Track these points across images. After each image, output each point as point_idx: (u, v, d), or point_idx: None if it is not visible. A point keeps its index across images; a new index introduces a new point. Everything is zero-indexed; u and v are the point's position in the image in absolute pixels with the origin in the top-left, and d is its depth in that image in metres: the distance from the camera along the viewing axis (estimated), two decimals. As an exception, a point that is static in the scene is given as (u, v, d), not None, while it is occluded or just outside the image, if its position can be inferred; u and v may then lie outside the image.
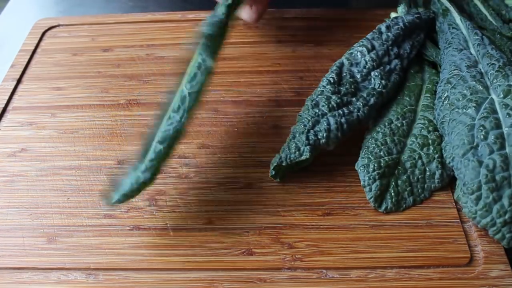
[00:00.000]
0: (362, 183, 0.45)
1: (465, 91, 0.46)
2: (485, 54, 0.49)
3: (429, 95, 0.51)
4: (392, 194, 0.45)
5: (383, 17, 0.60)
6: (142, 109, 0.55)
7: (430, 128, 0.48)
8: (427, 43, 0.57)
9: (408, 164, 0.46)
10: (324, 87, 0.48)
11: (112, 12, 0.71)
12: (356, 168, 0.46)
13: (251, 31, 0.65)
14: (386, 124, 0.48)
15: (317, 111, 0.47)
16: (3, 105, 0.55)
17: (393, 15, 0.60)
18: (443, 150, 0.46)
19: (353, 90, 0.49)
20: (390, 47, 0.52)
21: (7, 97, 0.56)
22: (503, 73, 0.45)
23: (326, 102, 0.47)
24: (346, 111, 0.47)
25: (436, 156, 0.46)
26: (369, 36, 0.53)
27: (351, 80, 0.49)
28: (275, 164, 0.46)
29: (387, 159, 0.46)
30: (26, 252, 0.42)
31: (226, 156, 0.50)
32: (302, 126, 0.46)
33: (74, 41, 0.64)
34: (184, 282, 0.40)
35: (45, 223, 0.44)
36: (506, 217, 0.39)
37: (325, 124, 0.46)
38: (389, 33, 0.53)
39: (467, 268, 0.40)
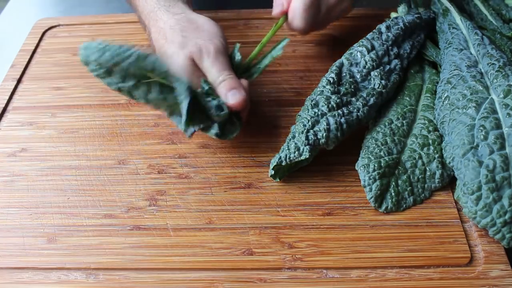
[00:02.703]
0: (362, 183, 0.45)
1: (465, 91, 0.46)
2: (485, 54, 0.49)
3: (429, 95, 0.51)
4: (392, 194, 0.45)
5: (383, 17, 0.60)
6: (142, 109, 0.55)
7: (430, 128, 0.48)
8: (427, 43, 0.57)
9: (408, 164, 0.46)
10: (324, 87, 0.48)
11: (112, 12, 0.71)
12: (356, 168, 0.46)
13: (251, 31, 0.65)
14: (386, 124, 0.48)
15: (316, 111, 0.47)
16: (3, 105, 0.56)
17: (393, 15, 0.60)
18: (443, 150, 0.46)
19: (352, 90, 0.49)
20: (390, 47, 0.52)
21: (7, 97, 0.56)
22: (503, 73, 0.45)
23: (326, 102, 0.47)
24: (345, 111, 0.47)
25: (436, 156, 0.46)
26: (369, 36, 0.53)
27: (350, 80, 0.49)
28: (274, 164, 0.45)
29: (387, 159, 0.46)
30: (26, 252, 0.42)
31: (226, 156, 0.50)
32: (302, 126, 0.46)
33: (74, 41, 0.64)
34: (184, 282, 0.40)
35: (45, 223, 0.44)
36: (506, 217, 0.39)
37: (325, 124, 0.46)
38: (389, 33, 0.53)
39: (467, 268, 0.40)
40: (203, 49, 0.47)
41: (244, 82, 0.48)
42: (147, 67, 0.41)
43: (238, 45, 0.50)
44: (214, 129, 0.46)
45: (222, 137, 0.47)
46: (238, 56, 0.50)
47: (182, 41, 0.48)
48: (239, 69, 0.50)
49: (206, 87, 0.47)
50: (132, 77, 0.42)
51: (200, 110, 0.45)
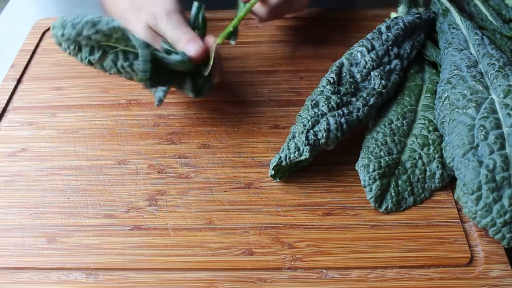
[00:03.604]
0: (362, 183, 0.45)
1: (465, 91, 0.46)
2: (485, 54, 0.49)
3: (429, 95, 0.51)
4: (393, 194, 0.45)
5: (383, 17, 0.60)
6: (142, 109, 0.55)
7: (431, 128, 0.48)
8: (427, 43, 0.57)
9: (408, 164, 0.46)
10: (324, 87, 0.48)
11: (112, 12, 0.70)
12: (356, 168, 0.46)
13: (251, 31, 0.65)
14: (387, 124, 0.48)
15: (316, 111, 0.47)
16: (3, 105, 0.56)
17: (393, 15, 0.60)
18: (443, 150, 0.46)
19: (352, 90, 0.49)
20: (390, 47, 0.52)
21: (7, 97, 0.56)
22: (503, 73, 0.45)
23: (326, 102, 0.47)
24: (345, 111, 0.47)
25: (436, 156, 0.46)
26: (369, 36, 0.53)
27: (351, 80, 0.49)
28: (274, 164, 0.45)
29: (387, 159, 0.46)
30: (26, 252, 0.42)
31: (226, 156, 0.50)
32: (302, 126, 0.46)
33: (74, 41, 0.64)
34: (184, 282, 0.40)
35: (45, 223, 0.44)
36: (506, 217, 0.39)
37: (325, 124, 0.46)
38: (389, 33, 0.53)
39: (467, 268, 0.40)
40: (156, 15, 0.50)
41: (209, 38, 0.49)
42: (103, 29, 0.42)
43: (196, 3, 0.52)
44: (187, 86, 0.48)
45: (197, 93, 0.49)
46: (197, 16, 0.52)
47: (137, 13, 0.51)
48: (203, 29, 0.52)
49: (166, 46, 0.48)
50: (99, 48, 0.44)
51: (164, 70, 0.47)
